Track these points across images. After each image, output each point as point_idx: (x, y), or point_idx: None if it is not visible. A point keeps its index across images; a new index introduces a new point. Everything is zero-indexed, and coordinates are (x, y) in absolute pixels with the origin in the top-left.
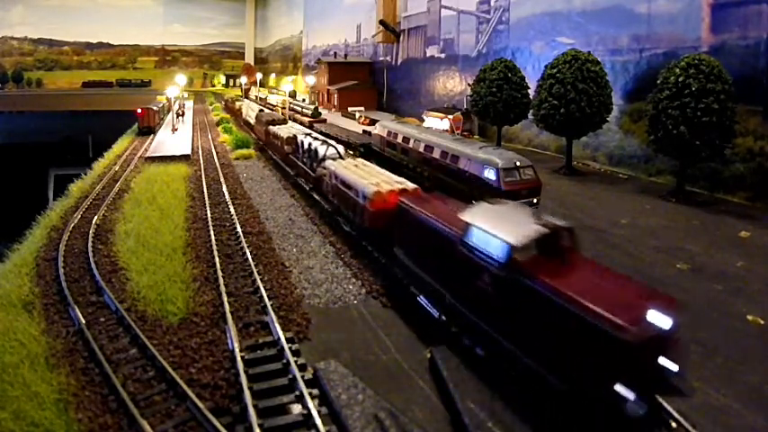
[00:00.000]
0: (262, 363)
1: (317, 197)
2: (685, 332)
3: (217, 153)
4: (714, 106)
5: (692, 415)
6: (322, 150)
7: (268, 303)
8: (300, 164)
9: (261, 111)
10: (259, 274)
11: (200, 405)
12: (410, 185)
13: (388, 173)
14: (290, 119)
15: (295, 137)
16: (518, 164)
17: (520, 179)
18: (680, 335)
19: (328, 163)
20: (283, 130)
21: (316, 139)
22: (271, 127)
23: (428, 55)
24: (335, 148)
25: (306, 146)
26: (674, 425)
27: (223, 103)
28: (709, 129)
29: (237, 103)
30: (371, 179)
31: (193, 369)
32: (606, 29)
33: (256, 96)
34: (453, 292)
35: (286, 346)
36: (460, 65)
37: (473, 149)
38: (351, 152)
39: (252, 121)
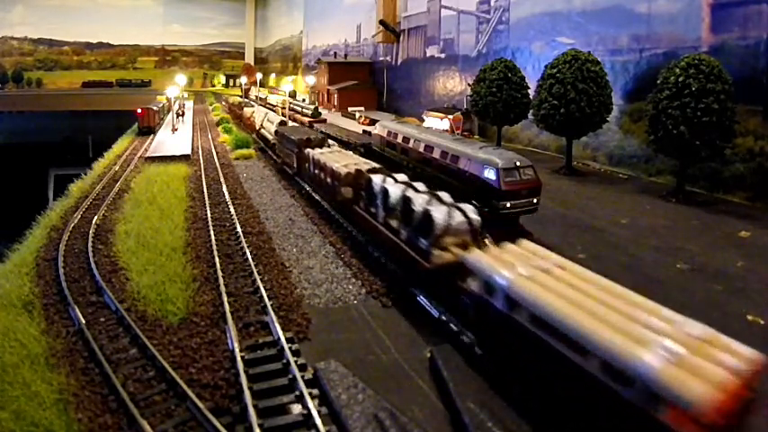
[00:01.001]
0: (262, 363)
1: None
2: None
3: (217, 153)
4: (714, 106)
5: None
6: (439, 216)
7: (268, 303)
8: (382, 228)
9: (283, 123)
10: (259, 274)
11: (200, 405)
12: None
13: (633, 294)
14: (290, 119)
15: (364, 177)
16: (518, 164)
17: (520, 179)
18: None
19: (475, 261)
20: (333, 159)
21: (413, 188)
22: (310, 151)
23: (428, 55)
24: (462, 212)
25: (393, 200)
26: None
27: (225, 105)
28: (709, 129)
29: (248, 111)
30: (632, 327)
31: (193, 369)
32: (606, 29)
33: (256, 96)
34: None
35: (286, 346)
36: (460, 65)
37: (473, 149)
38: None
39: (270, 136)
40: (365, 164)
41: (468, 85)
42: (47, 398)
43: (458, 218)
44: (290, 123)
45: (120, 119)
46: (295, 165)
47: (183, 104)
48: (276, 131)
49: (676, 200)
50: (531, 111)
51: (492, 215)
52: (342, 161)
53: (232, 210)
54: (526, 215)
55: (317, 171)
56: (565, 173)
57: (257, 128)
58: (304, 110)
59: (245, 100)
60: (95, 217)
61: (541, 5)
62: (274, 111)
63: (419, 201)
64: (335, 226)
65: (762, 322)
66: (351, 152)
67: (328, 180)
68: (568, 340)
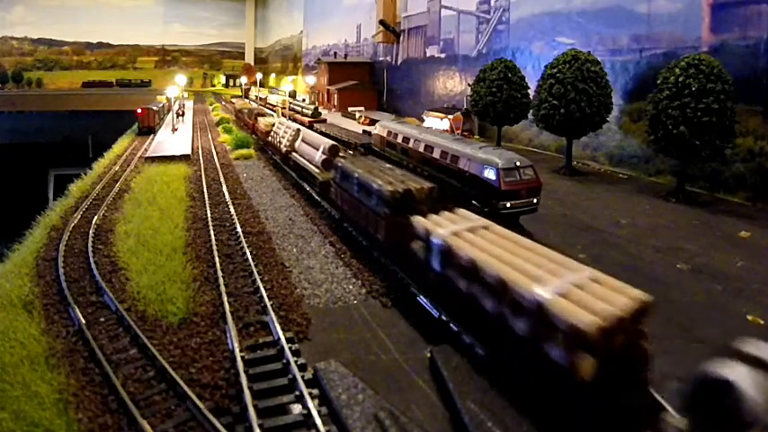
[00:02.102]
0: (262, 363)
1: None
2: (686, 332)
3: (217, 153)
4: (714, 106)
5: None
6: None
7: (268, 303)
8: None
9: (334, 150)
10: (259, 274)
11: (200, 405)
12: None
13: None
14: (290, 119)
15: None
16: (518, 164)
17: (520, 179)
18: None
19: None
20: (514, 263)
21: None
22: (429, 228)
23: (428, 55)
24: None
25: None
26: None
27: (228, 107)
28: (709, 129)
29: (264, 122)
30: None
31: (193, 369)
32: (606, 29)
33: (256, 96)
34: None
35: (286, 346)
36: (460, 65)
37: (473, 149)
38: None
39: (314, 169)
40: (610, 287)
41: (468, 85)
42: (47, 398)
43: None
44: (367, 161)
45: (120, 119)
46: (382, 235)
47: (183, 104)
48: (325, 163)
49: (676, 200)
50: (530, 111)
51: (492, 215)
52: (548, 278)
53: (232, 210)
54: (526, 215)
55: (452, 273)
56: (565, 173)
57: (284, 150)
58: (304, 110)
59: (259, 106)
60: (95, 217)
61: (541, 5)
62: (274, 111)
63: None
64: (336, 226)
65: (762, 322)
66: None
67: (505, 311)
68: None
